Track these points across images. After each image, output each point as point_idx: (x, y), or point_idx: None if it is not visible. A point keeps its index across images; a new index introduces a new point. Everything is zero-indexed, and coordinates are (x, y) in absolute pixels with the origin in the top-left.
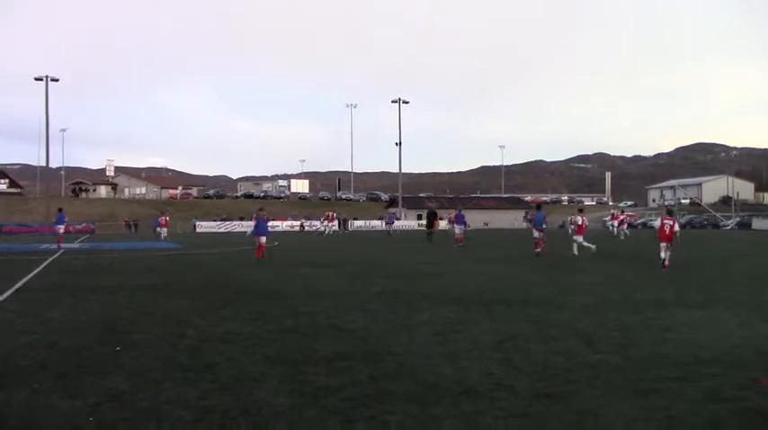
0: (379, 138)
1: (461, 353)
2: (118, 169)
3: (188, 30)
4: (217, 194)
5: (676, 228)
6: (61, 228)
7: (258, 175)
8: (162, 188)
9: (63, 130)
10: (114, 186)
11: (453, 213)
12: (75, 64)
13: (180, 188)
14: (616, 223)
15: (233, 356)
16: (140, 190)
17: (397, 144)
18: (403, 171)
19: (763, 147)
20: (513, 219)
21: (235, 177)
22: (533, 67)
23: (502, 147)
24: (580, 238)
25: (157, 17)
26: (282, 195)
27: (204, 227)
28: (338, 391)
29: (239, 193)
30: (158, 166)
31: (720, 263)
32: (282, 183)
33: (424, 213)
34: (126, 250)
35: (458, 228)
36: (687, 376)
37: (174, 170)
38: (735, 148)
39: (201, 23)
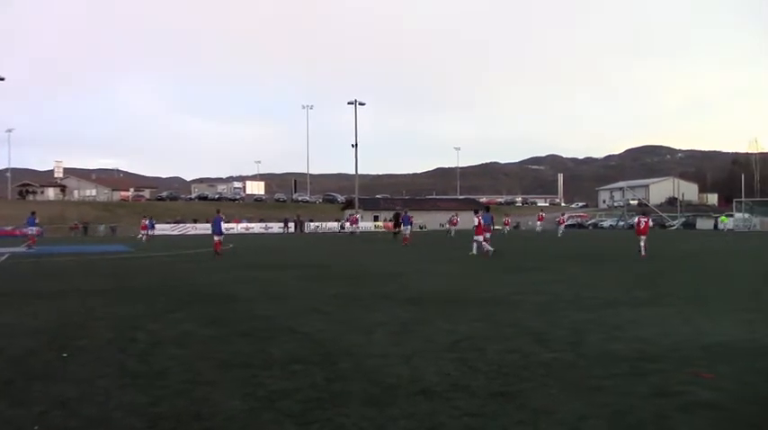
0: (335, 140)
1: (418, 353)
2: (67, 171)
3: (140, 28)
4: (170, 196)
5: (650, 223)
6: (33, 230)
7: (213, 177)
8: (113, 190)
9: (9, 131)
10: (63, 188)
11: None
12: (24, 63)
13: (132, 190)
14: (563, 226)
15: (186, 361)
16: (90, 192)
17: (353, 146)
18: (360, 173)
19: (706, 149)
20: (468, 221)
21: (189, 179)
22: (489, 69)
23: (457, 148)
24: (480, 238)
25: (109, 15)
26: (237, 197)
27: (157, 229)
28: (293, 394)
29: (193, 195)
30: (110, 168)
31: (667, 262)
32: (237, 184)
33: (393, 215)
34: (75, 253)
35: (405, 229)
36: (635, 372)
37: (125, 171)
38: (680, 151)
39: (155, 21)
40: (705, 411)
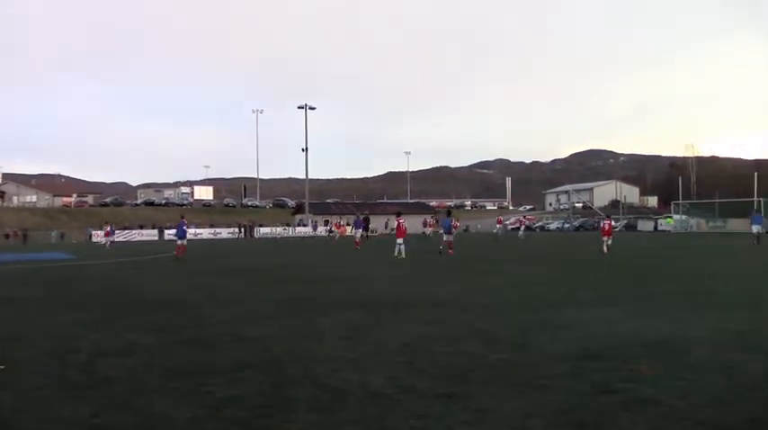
0: (285, 144)
1: (367, 357)
2: (6, 176)
3: (83, 29)
4: (115, 202)
5: (614, 224)
6: None
7: (160, 182)
8: (54, 196)
9: None
10: (2, 194)
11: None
12: None
13: (74, 195)
14: (522, 227)
15: (130, 370)
16: (30, 198)
17: (303, 150)
18: (310, 177)
19: (646, 153)
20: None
21: (134, 184)
22: (440, 74)
23: (408, 153)
24: (401, 241)
25: (52, 15)
26: (185, 202)
27: (101, 236)
28: (240, 401)
29: (139, 201)
30: (51, 173)
31: (610, 263)
32: (185, 189)
33: (363, 217)
34: (14, 262)
35: (357, 233)
36: (578, 371)
37: (67, 176)
38: (622, 155)
39: (98, 22)
40: (646, 407)
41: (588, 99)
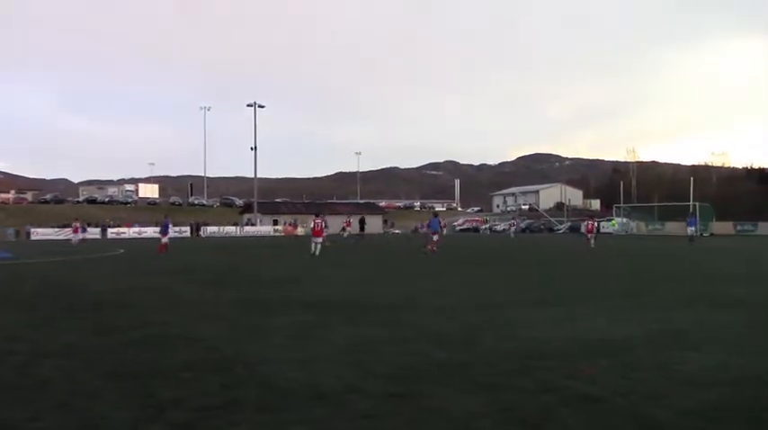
0: (234, 143)
1: (315, 357)
2: None
3: (22, 20)
4: (55, 199)
5: (596, 224)
6: None
7: (103, 179)
8: None
9: None
10: None
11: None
12: None
13: (12, 192)
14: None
15: (71, 372)
16: None
17: (252, 149)
18: (259, 176)
19: (590, 158)
20: (373, 225)
21: (76, 181)
22: (390, 75)
23: (358, 153)
24: (319, 239)
25: None
26: (130, 200)
27: (40, 234)
28: (185, 403)
29: (81, 198)
30: None
31: (556, 264)
32: (130, 187)
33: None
34: None
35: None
36: (523, 370)
37: (5, 173)
38: (567, 159)
39: (37, 15)
40: (587, 405)
41: (535, 104)
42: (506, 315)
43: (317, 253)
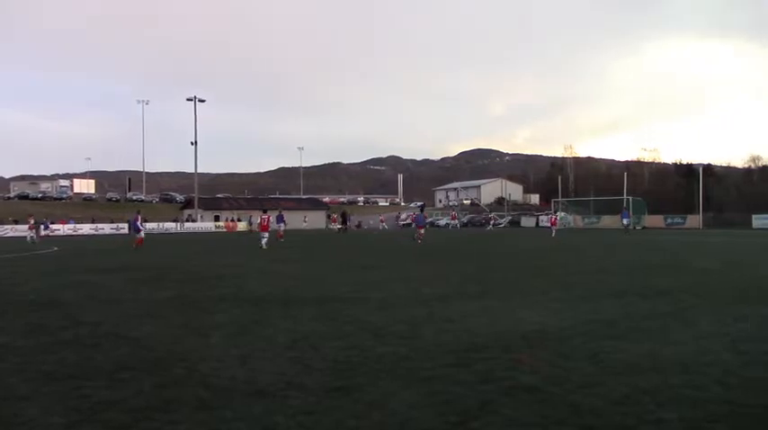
0: (174, 137)
1: (254, 354)
2: None
3: None
4: None
5: (559, 216)
6: None
7: (36, 174)
8: None
9: None
10: None
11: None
12: None
13: None
14: (455, 221)
15: None
16: None
17: (192, 143)
18: (200, 171)
19: (529, 153)
20: (315, 220)
21: (8, 176)
22: (332, 69)
23: (301, 148)
24: (266, 234)
25: None
26: (64, 196)
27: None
28: (120, 404)
29: (12, 194)
30: None
31: (497, 258)
32: (64, 182)
33: (341, 213)
34: None
35: (278, 226)
36: (463, 362)
37: None
38: (507, 154)
39: None
40: (525, 394)
41: (476, 100)
42: (447, 308)
43: (264, 246)
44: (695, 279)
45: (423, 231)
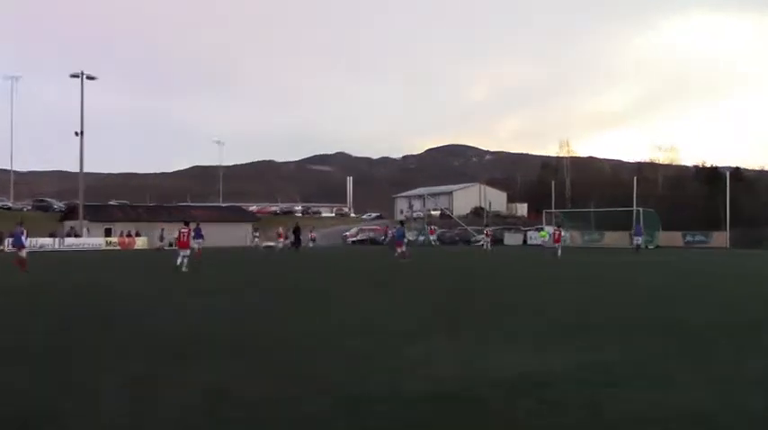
0: (54, 125)
1: (143, 423)
2: None
3: None
4: None
5: (563, 233)
6: None
7: None
8: None
9: None
10: None
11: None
12: None
13: None
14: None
15: None
16: None
17: (77, 134)
18: (87, 170)
19: (515, 151)
20: (243, 236)
21: None
22: (263, 43)
23: (220, 143)
24: (186, 252)
25: None
26: None
27: None
28: None
29: None
30: None
31: (468, 284)
32: None
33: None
34: None
35: (196, 243)
36: (425, 421)
37: None
38: (488, 152)
39: None
40: None
41: (450, 86)
42: (407, 348)
43: (184, 267)
44: (717, 310)
45: (404, 248)
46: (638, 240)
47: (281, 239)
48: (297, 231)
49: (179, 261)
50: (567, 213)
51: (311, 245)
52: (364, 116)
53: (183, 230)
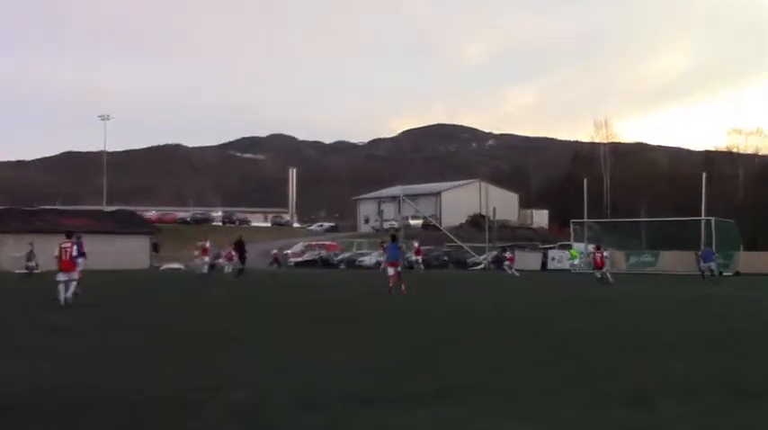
0: None
1: None
2: None
3: None
4: None
5: (606, 255)
6: None
7: None
8: None
9: None
10: None
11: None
12: None
13: None
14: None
15: None
16: None
17: None
18: None
19: (531, 135)
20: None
21: None
22: None
23: (105, 118)
24: (74, 276)
25: None
26: None
27: None
28: None
29: None
30: None
31: (458, 327)
32: None
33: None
34: None
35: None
36: None
37: None
38: (490, 136)
39: None
40: None
41: (434, 39)
42: (364, 420)
43: (68, 300)
44: None
45: (399, 269)
46: (711, 266)
47: (205, 258)
48: (240, 246)
49: (62, 292)
50: (604, 224)
51: (227, 268)
52: (313, 84)
53: (64, 246)
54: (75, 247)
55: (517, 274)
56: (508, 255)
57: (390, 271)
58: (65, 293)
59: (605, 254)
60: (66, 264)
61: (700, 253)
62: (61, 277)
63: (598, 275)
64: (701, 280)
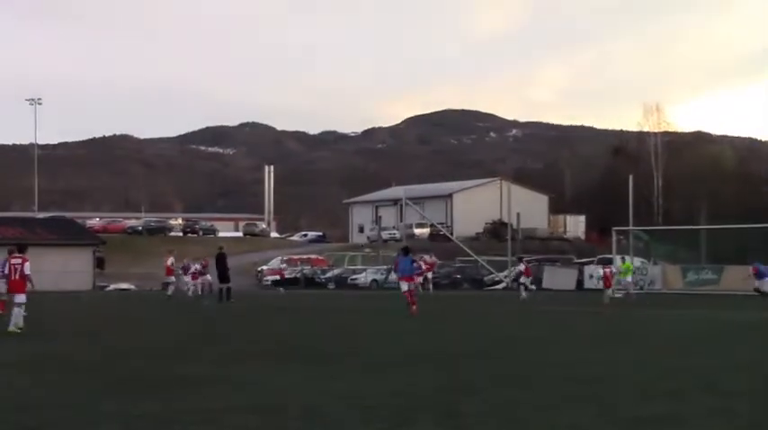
0: None
1: None
2: None
3: None
4: None
5: (613, 270)
6: None
7: None
8: None
9: None
10: None
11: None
12: None
13: None
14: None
15: None
16: None
17: None
18: None
19: (563, 123)
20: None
21: None
22: None
23: (37, 102)
24: (22, 298)
25: None
26: None
27: None
28: None
29: None
30: None
31: (471, 363)
32: None
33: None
34: None
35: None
36: None
37: None
38: (515, 124)
39: None
40: None
41: (442, 12)
42: None
43: (20, 325)
44: None
45: (413, 286)
46: (762, 283)
47: (171, 277)
48: (222, 260)
49: (13, 321)
50: (654, 233)
51: (190, 290)
52: (294, 61)
53: (14, 262)
54: (27, 264)
55: (532, 288)
56: (522, 267)
57: (404, 286)
58: (14, 321)
59: (612, 270)
60: (16, 285)
61: (754, 268)
62: (15, 298)
63: (609, 294)
64: (763, 297)
